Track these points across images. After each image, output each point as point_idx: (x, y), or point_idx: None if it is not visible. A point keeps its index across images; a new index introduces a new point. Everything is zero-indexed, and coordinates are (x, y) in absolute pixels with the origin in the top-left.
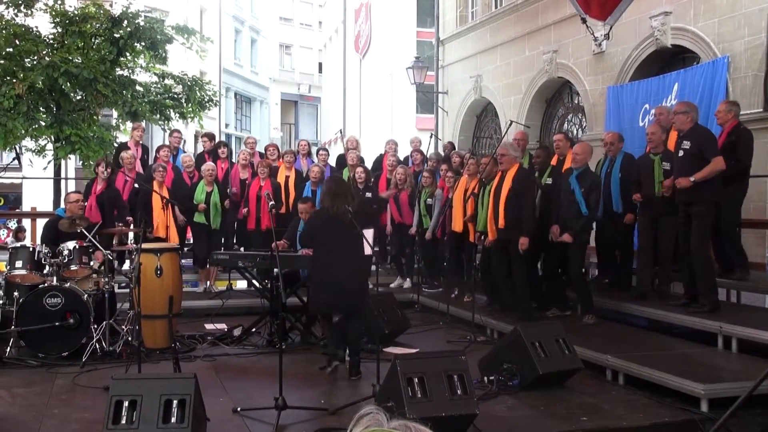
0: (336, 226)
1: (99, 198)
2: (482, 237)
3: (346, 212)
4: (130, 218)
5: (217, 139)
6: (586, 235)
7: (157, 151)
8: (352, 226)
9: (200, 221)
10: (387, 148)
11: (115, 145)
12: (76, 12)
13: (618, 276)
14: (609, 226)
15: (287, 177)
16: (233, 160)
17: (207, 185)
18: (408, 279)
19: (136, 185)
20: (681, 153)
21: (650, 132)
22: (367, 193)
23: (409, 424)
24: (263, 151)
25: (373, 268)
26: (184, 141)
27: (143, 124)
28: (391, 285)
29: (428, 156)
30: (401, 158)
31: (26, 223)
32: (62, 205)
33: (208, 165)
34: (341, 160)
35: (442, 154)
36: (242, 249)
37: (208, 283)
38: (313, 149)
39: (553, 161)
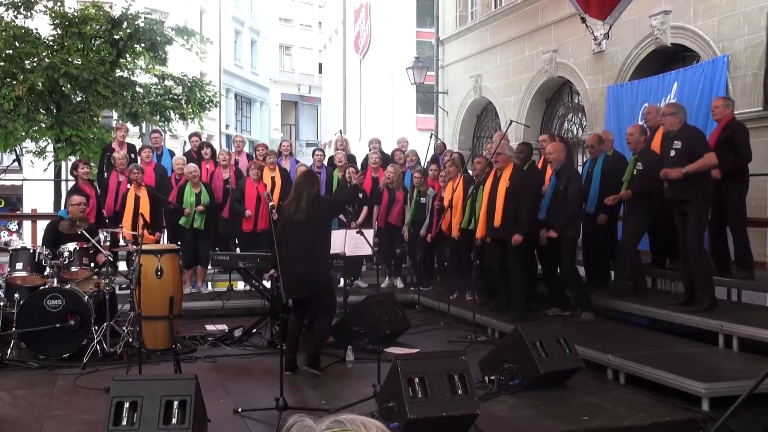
0: (293, 223)
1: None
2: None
3: (301, 209)
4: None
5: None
6: (571, 231)
7: (139, 152)
8: (310, 223)
9: (182, 224)
10: (371, 147)
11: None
12: (75, 14)
13: (595, 274)
14: (585, 227)
15: (273, 178)
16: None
17: (194, 187)
18: (399, 278)
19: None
20: (672, 153)
21: (628, 132)
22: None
23: (338, 417)
24: (250, 152)
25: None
26: (185, 142)
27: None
28: (382, 285)
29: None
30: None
31: (27, 224)
32: (64, 207)
33: (190, 166)
34: (332, 160)
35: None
36: (238, 249)
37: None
38: (310, 149)
39: (541, 163)
